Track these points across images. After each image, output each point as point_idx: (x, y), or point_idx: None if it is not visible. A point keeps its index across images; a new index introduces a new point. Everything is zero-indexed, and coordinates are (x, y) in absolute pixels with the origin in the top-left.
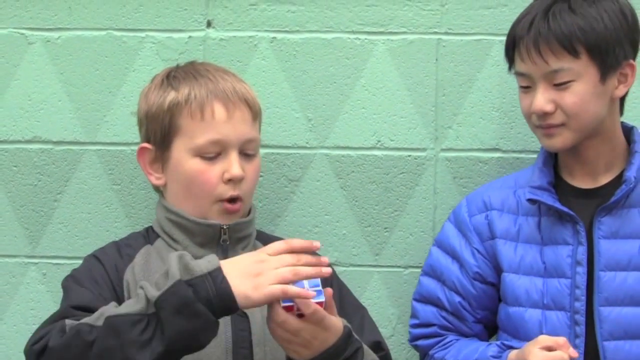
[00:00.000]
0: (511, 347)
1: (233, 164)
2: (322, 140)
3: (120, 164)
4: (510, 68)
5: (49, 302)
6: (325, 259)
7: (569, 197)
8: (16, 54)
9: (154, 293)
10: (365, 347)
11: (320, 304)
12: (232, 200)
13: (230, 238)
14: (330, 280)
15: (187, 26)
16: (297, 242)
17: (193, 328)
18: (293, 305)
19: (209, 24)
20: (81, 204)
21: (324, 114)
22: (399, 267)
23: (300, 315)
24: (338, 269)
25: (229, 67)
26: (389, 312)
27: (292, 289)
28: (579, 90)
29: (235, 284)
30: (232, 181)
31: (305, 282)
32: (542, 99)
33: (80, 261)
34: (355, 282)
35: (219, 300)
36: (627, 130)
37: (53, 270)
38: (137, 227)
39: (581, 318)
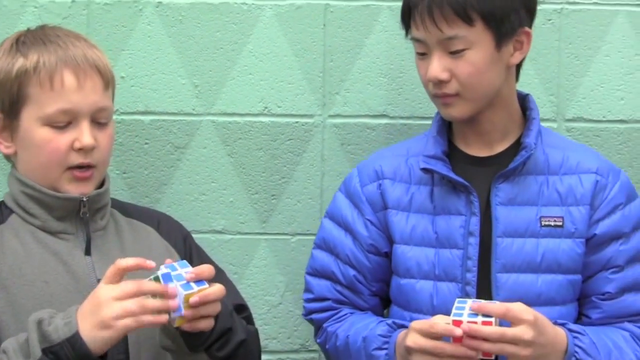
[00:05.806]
0: (402, 326)
1: (84, 133)
2: (208, 106)
3: None
4: (407, 34)
5: None
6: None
7: (464, 165)
8: None
9: None
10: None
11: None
12: (82, 167)
13: (90, 210)
14: (189, 247)
15: None
16: (127, 262)
17: None
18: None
19: None
20: None
21: (210, 80)
22: (286, 234)
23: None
24: (225, 237)
25: (82, 33)
26: (276, 280)
27: (146, 318)
28: (474, 59)
29: (90, 338)
30: (82, 150)
31: (184, 274)
32: (438, 66)
33: None
34: (242, 250)
35: None
36: (522, 98)
37: None
38: None
39: (472, 290)
